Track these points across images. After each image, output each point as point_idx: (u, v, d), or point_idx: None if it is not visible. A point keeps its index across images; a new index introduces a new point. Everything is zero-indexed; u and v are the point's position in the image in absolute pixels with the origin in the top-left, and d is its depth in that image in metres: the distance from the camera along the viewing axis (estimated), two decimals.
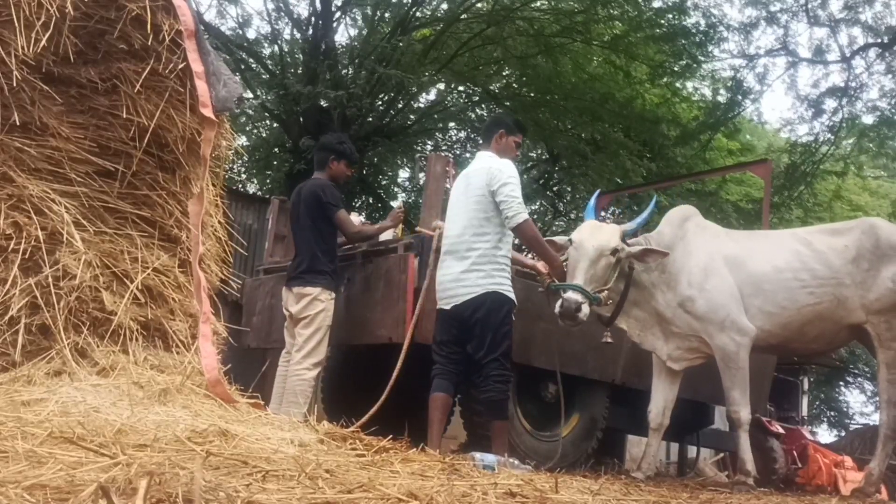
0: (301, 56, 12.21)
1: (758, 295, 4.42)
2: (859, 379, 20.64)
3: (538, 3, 12.24)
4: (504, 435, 4.07)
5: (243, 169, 14.07)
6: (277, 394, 4.62)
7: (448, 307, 4.08)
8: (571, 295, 3.93)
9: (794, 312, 4.45)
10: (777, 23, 11.92)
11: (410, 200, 15.17)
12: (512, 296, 4.08)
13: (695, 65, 12.39)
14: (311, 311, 4.57)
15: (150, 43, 3.49)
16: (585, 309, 3.94)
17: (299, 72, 11.73)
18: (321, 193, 4.70)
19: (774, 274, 4.48)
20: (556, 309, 3.95)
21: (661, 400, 4.56)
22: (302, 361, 4.52)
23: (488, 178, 4.05)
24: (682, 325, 4.36)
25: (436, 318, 4.22)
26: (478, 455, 3.57)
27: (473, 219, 4.08)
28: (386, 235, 5.28)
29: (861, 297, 4.46)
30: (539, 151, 15.24)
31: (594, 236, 4.12)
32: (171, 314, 3.41)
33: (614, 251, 4.10)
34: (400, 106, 12.63)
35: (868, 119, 12.40)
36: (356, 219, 5.51)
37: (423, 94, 13.26)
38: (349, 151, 5.01)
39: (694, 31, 11.74)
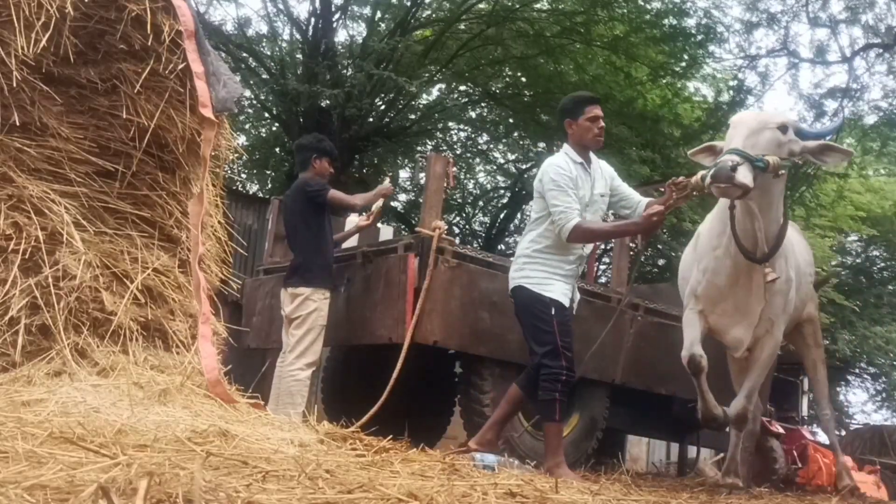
0: (301, 56, 12.21)
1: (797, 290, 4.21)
2: (863, 377, 20.62)
3: (538, 4, 12.23)
4: (553, 438, 3.80)
5: (243, 169, 14.07)
6: (275, 395, 4.62)
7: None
8: (726, 156, 3.31)
9: (801, 310, 4.42)
10: (778, 23, 11.94)
11: (410, 200, 15.19)
12: (542, 290, 3.84)
13: (696, 65, 12.39)
14: (304, 311, 4.57)
15: (150, 43, 3.49)
16: (745, 171, 3.28)
17: (299, 72, 11.73)
18: (305, 188, 4.75)
19: (806, 268, 4.33)
20: (707, 180, 3.36)
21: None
22: (295, 362, 4.52)
23: (538, 180, 3.99)
24: (773, 305, 3.89)
25: None
26: (477, 455, 3.57)
27: (532, 218, 4.11)
28: (385, 235, 5.28)
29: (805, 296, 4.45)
30: (540, 147, 15.23)
31: (758, 113, 3.64)
32: (172, 314, 3.41)
33: (783, 127, 3.47)
34: (400, 106, 12.63)
35: (870, 119, 12.41)
36: (356, 219, 5.52)
37: (424, 94, 13.25)
38: (330, 148, 5.02)
39: (694, 31, 11.74)
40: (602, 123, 4.07)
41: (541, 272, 3.89)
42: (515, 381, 4.03)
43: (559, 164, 3.92)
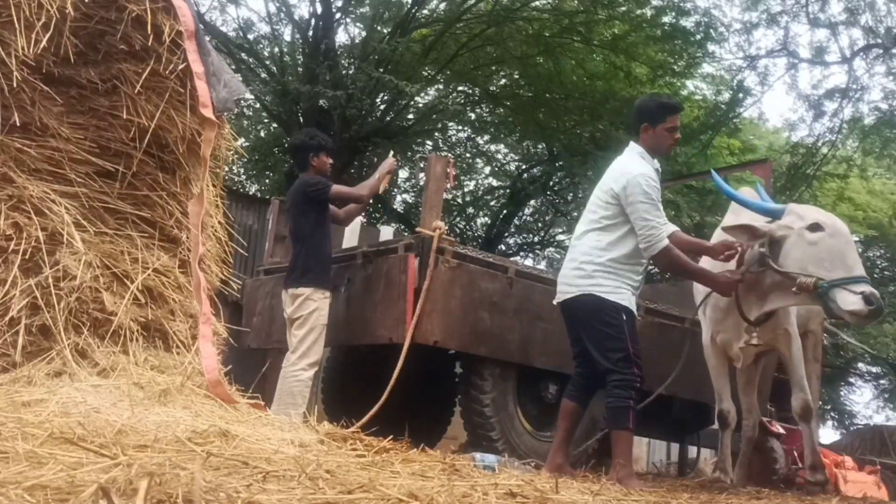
0: (301, 56, 12.22)
1: None
2: (866, 377, 20.63)
3: (538, 3, 12.24)
4: (624, 446, 3.64)
5: (243, 169, 14.08)
6: (278, 395, 4.62)
7: (555, 302, 3.92)
8: (866, 287, 3.47)
9: (803, 320, 4.51)
10: (777, 24, 11.95)
11: (411, 201, 15.20)
12: (613, 298, 3.68)
13: (695, 65, 12.40)
14: (304, 311, 4.56)
15: (150, 44, 3.49)
16: None
17: (299, 72, 11.74)
18: (305, 187, 4.71)
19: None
20: (861, 307, 3.44)
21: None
22: (297, 362, 4.52)
23: (622, 187, 3.67)
24: (778, 323, 4.17)
25: None
26: (478, 455, 3.57)
27: (591, 213, 3.82)
28: (385, 235, 5.27)
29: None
30: (540, 147, 15.24)
31: (840, 222, 3.73)
32: (172, 315, 3.41)
33: None
34: (400, 106, 12.64)
35: (870, 120, 12.42)
36: (360, 220, 5.52)
37: (423, 95, 13.26)
38: (324, 142, 4.92)
39: (694, 31, 11.75)
40: (678, 135, 3.92)
41: (613, 281, 3.71)
42: (565, 395, 3.93)
43: (650, 176, 3.69)
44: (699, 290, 4.52)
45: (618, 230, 3.72)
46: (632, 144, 3.90)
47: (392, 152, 5.22)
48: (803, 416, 4.19)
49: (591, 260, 3.73)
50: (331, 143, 5.04)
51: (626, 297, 3.73)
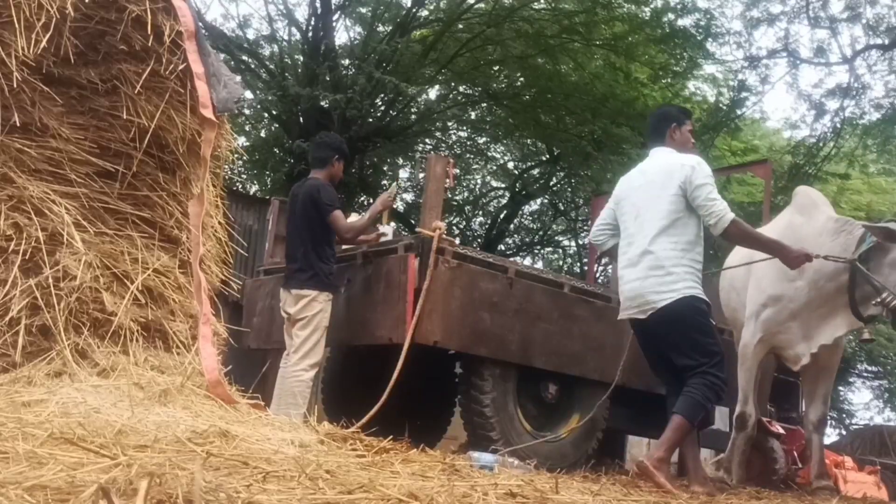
0: (301, 57, 12.22)
1: None
2: (864, 377, 20.61)
3: (538, 4, 12.24)
4: (676, 435, 3.61)
5: (243, 170, 14.09)
6: (277, 395, 4.62)
7: (642, 316, 3.78)
8: None
9: None
10: (778, 23, 11.95)
11: (410, 201, 15.21)
12: (703, 298, 3.72)
13: (695, 66, 12.40)
14: (309, 312, 4.56)
15: (150, 44, 3.49)
16: None
17: (299, 72, 11.74)
18: (317, 194, 4.70)
19: None
20: None
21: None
22: (299, 362, 4.52)
23: (686, 176, 3.72)
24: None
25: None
26: (475, 454, 3.57)
27: (659, 220, 3.75)
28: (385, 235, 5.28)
29: None
30: (540, 147, 15.24)
31: None
32: (172, 315, 3.41)
33: None
34: (400, 107, 12.64)
35: (871, 117, 12.41)
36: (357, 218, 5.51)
37: (423, 95, 13.27)
38: (348, 154, 5.12)
39: (694, 31, 11.75)
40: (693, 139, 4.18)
41: (695, 279, 3.72)
42: (671, 410, 3.72)
43: (705, 162, 3.84)
44: (733, 285, 4.51)
45: (685, 224, 3.75)
46: (657, 149, 4.00)
47: (396, 184, 5.33)
48: (818, 427, 4.43)
49: (677, 263, 3.70)
50: (350, 159, 5.21)
51: (704, 293, 3.77)
